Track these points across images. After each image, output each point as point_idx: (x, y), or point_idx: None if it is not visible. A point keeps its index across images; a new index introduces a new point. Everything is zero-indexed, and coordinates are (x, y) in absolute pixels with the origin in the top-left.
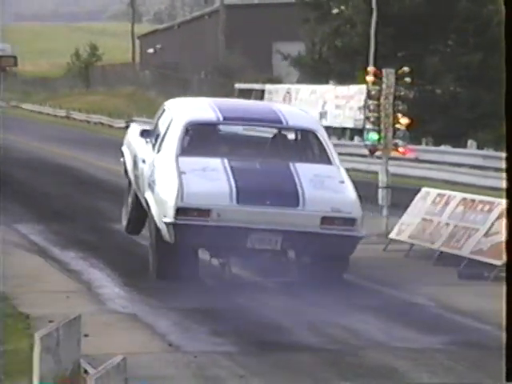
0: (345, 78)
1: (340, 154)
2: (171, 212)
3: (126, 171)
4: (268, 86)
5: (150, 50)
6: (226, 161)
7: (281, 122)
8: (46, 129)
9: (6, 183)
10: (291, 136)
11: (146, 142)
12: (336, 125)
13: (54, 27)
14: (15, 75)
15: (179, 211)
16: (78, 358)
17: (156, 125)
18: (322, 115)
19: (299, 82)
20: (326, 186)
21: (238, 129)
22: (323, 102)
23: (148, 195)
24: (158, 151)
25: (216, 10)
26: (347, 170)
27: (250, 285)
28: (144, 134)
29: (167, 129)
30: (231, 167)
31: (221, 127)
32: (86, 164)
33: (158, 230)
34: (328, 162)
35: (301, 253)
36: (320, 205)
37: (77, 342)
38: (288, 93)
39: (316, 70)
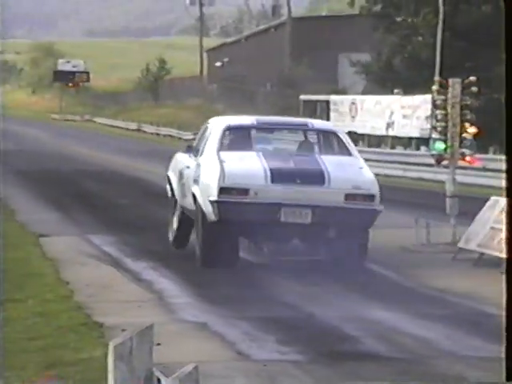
0: (411, 87)
1: (406, 163)
2: (215, 192)
3: (172, 194)
4: (333, 97)
5: (218, 64)
6: (260, 153)
7: (307, 125)
8: (118, 142)
9: (79, 195)
10: (316, 137)
11: (189, 155)
12: (402, 135)
13: (124, 43)
14: (88, 90)
15: (222, 190)
16: (150, 367)
17: (198, 139)
18: (389, 125)
19: (364, 92)
20: (348, 170)
21: (271, 136)
22: (390, 112)
23: (195, 189)
24: (201, 154)
25: (283, 22)
26: (413, 178)
27: (309, 292)
28: (188, 150)
29: (208, 136)
30: (265, 157)
31: (256, 133)
32: (157, 176)
33: (204, 218)
34: (349, 154)
35: (328, 225)
36: (343, 183)
37: (149, 350)
38: (353, 103)
39: (383, 78)
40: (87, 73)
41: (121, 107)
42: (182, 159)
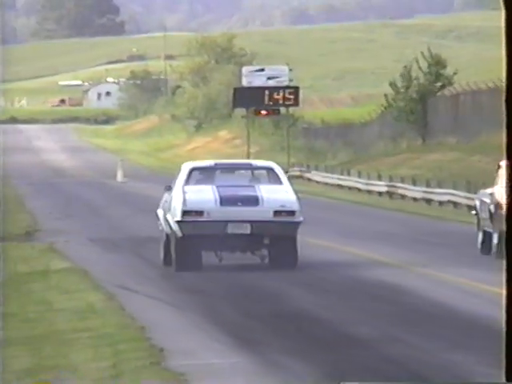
0: None
1: None
2: (179, 214)
3: (161, 226)
4: None
5: None
6: (213, 186)
7: (251, 165)
8: (354, 217)
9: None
10: (257, 172)
11: (168, 193)
12: None
13: (340, 29)
14: (294, 120)
15: (184, 213)
16: None
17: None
18: None
19: None
20: (277, 194)
21: (222, 173)
22: None
23: (168, 215)
24: (173, 189)
25: None
26: None
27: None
28: (167, 188)
29: (178, 175)
30: (217, 187)
31: (212, 171)
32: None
33: (175, 235)
34: (280, 183)
35: (262, 235)
36: (272, 204)
37: None
38: None
39: None
40: (295, 89)
41: (351, 150)
42: (164, 198)
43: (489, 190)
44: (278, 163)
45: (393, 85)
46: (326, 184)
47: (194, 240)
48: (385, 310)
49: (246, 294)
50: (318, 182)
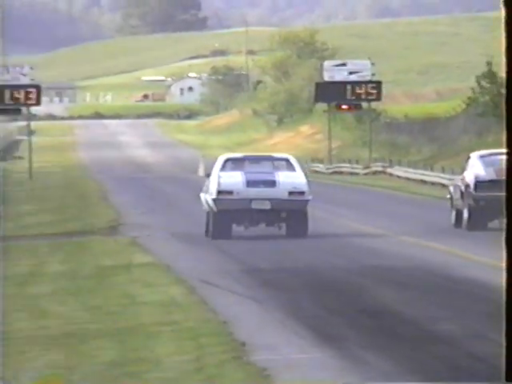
0: None
1: None
2: (215, 193)
3: (204, 207)
4: None
5: None
6: (242, 172)
7: (272, 157)
8: (438, 212)
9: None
10: (278, 164)
11: (207, 179)
12: None
13: (425, 23)
14: (376, 115)
15: (218, 192)
16: None
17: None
18: None
19: None
20: (291, 178)
21: (250, 163)
22: None
23: (207, 196)
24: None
25: None
26: None
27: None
28: (207, 175)
29: (215, 164)
30: (244, 173)
31: (242, 161)
32: None
33: (212, 210)
34: (294, 170)
35: (280, 210)
36: (287, 186)
37: None
38: None
39: None
40: (377, 83)
41: (439, 146)
42: (206, 183)
43: (460, 176)
44: (359, 158)
45: (479, 79)
46: (409, 179)
47: (226, 214)
48: (476, 307)
49: (329, 290)
50: (399, 177)
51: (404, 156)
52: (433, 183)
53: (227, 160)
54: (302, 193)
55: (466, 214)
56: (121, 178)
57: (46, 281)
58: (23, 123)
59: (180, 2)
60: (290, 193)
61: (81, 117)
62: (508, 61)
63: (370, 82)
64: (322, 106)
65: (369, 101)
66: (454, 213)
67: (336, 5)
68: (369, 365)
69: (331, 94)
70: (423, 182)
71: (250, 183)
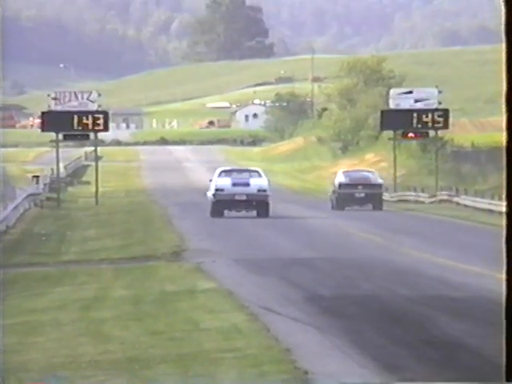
0: None
1: None
2: (213, 189)
3: (208, 199)
4: None
5: None
6: (230, 178)
7: (248, 169)
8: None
9: None
10: (252, 174)
11: (210, 182)
12: None
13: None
14: (442, 144)
15: (216, 189)
16: None
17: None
18: None
19: None
20: (259, 182)
21: (236, 173)
22: None
23: (209, 192)
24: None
25: None
26: None
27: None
28: (210, 180)
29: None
30: (231, 178)
31: (230, 172)
32: None
33: (211, 201)
34: (261, 177)
35: (252, 201)
36: (256, 186)
37: None
38: None
39: None
40: (445, 111)
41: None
42: (210, 185)
43: None
44: (425, 186)
45: None
46: (476, 208)
47: (220, 203)
48: None
49: (392, 320)
50: (466, 206)
51: (471, 185)
52: (500, 212)
53: (222, 171)
54: (265, 190)
55: None
56: (184, 203)
57: (110, 305)
58: (90, 149)
59: (247, 30)
60: (258, 190)
61: (146, 143)
62: (508, 61)
63: (437, 109)
64: (387, 134)
65: (436, 129)
66: None
67: (403, 32)
68: None
69: (397, 121)
70: (491, 211)
71: (234, 184)
